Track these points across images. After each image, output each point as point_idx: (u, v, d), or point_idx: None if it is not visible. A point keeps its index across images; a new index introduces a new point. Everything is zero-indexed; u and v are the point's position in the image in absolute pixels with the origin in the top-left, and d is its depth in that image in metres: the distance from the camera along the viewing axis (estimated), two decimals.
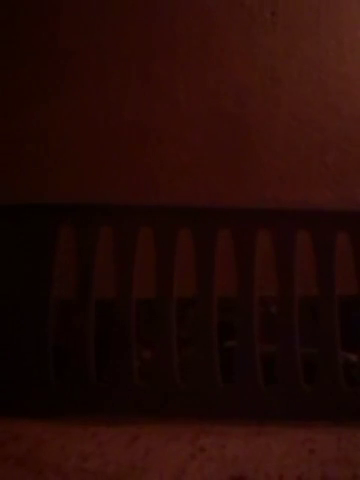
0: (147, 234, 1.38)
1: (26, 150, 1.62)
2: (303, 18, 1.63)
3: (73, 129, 1.62)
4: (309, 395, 1.33)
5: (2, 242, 1.39)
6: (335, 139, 1.62)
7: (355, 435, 1.24)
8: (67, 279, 1.37)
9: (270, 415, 1.32)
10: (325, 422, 1.30)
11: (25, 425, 1.27)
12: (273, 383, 1.34)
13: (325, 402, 1.33)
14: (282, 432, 1.25)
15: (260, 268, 1.37)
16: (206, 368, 1.35)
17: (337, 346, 1.35)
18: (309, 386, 1.34)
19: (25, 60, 1.63)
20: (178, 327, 1.36)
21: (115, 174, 1.61)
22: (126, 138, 1.62)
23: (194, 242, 1.37)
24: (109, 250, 1.38)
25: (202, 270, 1.37)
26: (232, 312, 1.37)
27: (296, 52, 1.63)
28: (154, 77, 1.62)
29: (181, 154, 1.61)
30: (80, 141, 1.62)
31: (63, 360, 1.36)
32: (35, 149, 1.62)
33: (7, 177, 1.59)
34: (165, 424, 1.28)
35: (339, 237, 1.37)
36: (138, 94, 1.62)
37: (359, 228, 1.38)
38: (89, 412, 1.33)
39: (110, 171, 1.61)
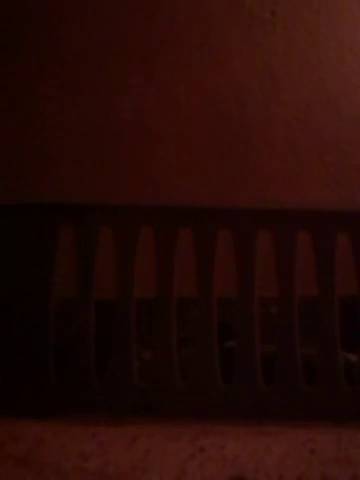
0: (147, 234, 1.38)
1: (26, 150, 1.62)
2: (303, 18, 1.63)
3: (73, 129, 1.62)
4: (309, 395, 1.33)
5: (2, 242, 1.39)
6: (335, 139, 1.62)
7: (355, 435, 1.24)
8: (67, 279, 1.37)
9: (270, 415, 1.32)
10: (325, 422, 1.30)
11: (25, 425, 1.27)
12: (273, 383, 1.34)
13: (325, 402, 1.33)
14: (282, 432, 1.25)
15: (260, 268, 1.37)
16: (206, 368, 1.35)
17: (337, 346, 1.35)
18: (309, 386, 1.34)
19: (25, 59, 1.62)
20: (178, 327, 1.36)
21: (115, 174, 1.61)
22: (126, 138, 1.62)
23: (194, 242, 1.37)
24: (109, 250, 1.38)
25: (202, 270, 1.37)
26: (232, 312, 1.38)
27: (296, 52, 1.63)
28: (154, 77, 1.62)
29: (181, 154, 1.61)
30: (80, 141, 1.61)
31: (63, 360, 1.36)
32: (35, 149, 1.62)
33: (7, 177, 1.59)
34: (165, 424, 1.28)
35: (339, 237, 1.37)
36: (138, 94, 1.62)
37: (359, 228, 1.39)
38: (89, 412, 1.33)
39: (110, 171, 1.61)
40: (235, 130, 1.62)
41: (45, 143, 1.62)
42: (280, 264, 1.37)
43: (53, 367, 1.35)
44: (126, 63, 1.63)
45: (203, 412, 1.33)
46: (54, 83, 1.62)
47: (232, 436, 1.23)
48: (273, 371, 1.34)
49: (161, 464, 1.11)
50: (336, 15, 1.64)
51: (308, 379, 1.34)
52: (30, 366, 1.35)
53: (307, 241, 1.37)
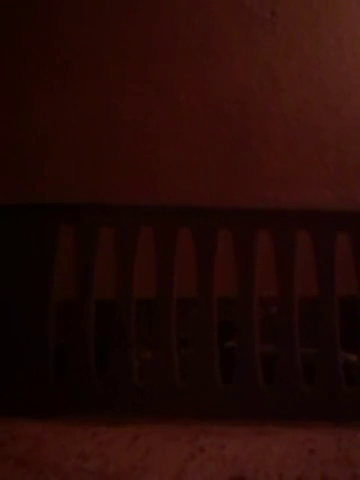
0: (147, 234, 1.38)
1: (26, 150, 1.62)
2: (303, 18, 1.63)
3: (73, 129, 1.62)
4: (309, 395, 1.33)
5: (2, 242, 1.39)
6: (335, 139, 1.62)
7: (355, 435, 1.24)
8: (67, 279, 1.37)
9: (270, 415, 1.32)
10: (325, 422, 1.30)
11: (25, 425, 1.27)
12: (273, 383, 1.34)
13: (325, 402, 1.33)
14: (282, 432, 1.26)
15: (260, 268, 1.37)
16: (206, 368, 1.35)
17: (337, 346, 1.35)
18: (309, 386, 1.34)
19: (25, 60, 1.63)
20: (178, 327, 1.36)
21: (115, 174, 1.61)
22: (126, 138, 1.62)
23: (194, 242, 1.37)
24: (109, 250, 1.38)
25: (202, 270, 1.37)
26: (232, 312, 1.38)
27: (296, 52, 1.63)
28: (154, 77, 1.62)
29: (181, 154, 1.61)
30: (80, 141, 1.62)
31: (63, 360, 1.36)
32: (35, 149, 1.62)
33: (7, 177, 1.59)
34: (165, 424, 1.28)
35: (339, 237, 1.37)
36: (138, 94, 1.62)
37: (359, 228, 1.39)
38: (89, 412, 1.33)
39: (110, 171, 1.61)
40: (235, 130, 1.62)
41: (45, 143, 1.62)
42: (280, 264, 1.37)
43: (53, 367, 1.35)
44: (126, 63, 1.63)
45: (203, 412, 1.33)
46: (54, 83, 1.63)
47: (232, 436, 1.23)
48: (273, 371, 1.34)
49: (161, 464, 1.11)
50: (336, 15, 1.64)
51: (308, 379, 1.34)
52: (30, 366, 1.35)
53: (307, 241, 1.37)
